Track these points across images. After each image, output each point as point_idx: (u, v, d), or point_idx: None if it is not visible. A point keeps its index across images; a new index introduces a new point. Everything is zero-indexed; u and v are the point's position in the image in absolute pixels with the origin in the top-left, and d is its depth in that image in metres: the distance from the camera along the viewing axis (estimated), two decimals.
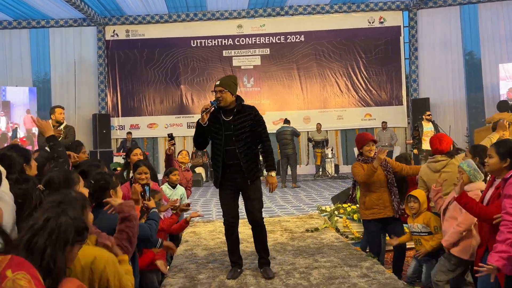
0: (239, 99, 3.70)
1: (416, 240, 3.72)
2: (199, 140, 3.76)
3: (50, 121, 5.71)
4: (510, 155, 2.62)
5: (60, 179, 2.07)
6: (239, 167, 3.58)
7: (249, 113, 3.65)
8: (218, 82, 3.65)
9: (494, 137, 4.38)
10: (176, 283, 3.39)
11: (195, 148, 13.41)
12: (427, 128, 9.78)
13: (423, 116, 10.05)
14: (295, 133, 10.71)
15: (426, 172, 3.85)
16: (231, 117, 3.61)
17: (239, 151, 3.56)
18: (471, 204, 2.75)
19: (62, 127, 5.66)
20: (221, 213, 6.86)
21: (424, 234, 3.65)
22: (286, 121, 11.07)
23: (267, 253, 3.69)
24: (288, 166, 10.54)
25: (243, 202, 3.71)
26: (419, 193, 3.74)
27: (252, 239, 4.77)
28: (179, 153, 5.70)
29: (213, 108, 3.62)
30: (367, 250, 4.17)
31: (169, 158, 5.02)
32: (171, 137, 4.94)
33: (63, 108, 5.67)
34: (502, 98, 12.25)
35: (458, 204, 3.07)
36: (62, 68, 13.93)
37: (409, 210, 3.74)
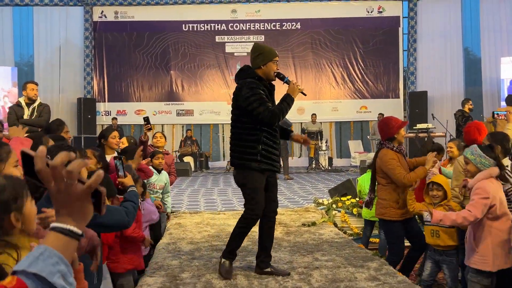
0: None
1: (433, 231, 3.25)
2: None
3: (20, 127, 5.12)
4: (502, 142, 3.00)
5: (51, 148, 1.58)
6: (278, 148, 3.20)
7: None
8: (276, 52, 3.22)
9: (510, 127, 4.14)
10: (155, 282, 2.92)
11: (184, 136, 12.96)
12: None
13: (467, 105, 9.04)
14: (286, 123, 10.23)
15: None
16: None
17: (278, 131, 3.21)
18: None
19: (35, 105, 5.12)
20: (210, 205, 6.40)
21: (444, 225, 3.21)
22: None
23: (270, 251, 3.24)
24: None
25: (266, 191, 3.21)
26: (442, 179, 3.28)
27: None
28: (153, 136, 5.03)
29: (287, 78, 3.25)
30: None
31: (144, 146, 4.41)
32: (147, 121, 4.35)
33: (36, 83, 5.13)
34: (503, 88, 11.93)
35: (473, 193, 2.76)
36: (47, 49, 13.28)
37: (430, 199, 3.29)
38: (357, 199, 5.38)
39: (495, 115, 5.83)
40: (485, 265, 2.74)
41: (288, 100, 3.08)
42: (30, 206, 1.34)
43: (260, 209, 3.04)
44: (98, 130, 13.12)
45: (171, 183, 4.73)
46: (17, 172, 1.62)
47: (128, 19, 13.48)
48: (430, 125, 10.70)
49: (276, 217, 4.76)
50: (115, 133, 3.89)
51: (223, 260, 3.07)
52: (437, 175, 3.37)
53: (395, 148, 3.45)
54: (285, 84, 3.21)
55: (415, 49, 13.40)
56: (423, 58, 13.39)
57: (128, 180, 2.35)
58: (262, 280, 2.95)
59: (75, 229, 0.87)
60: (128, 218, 2.06)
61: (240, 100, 3.03)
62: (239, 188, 3.23)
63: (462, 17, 13.11)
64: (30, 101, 5.08)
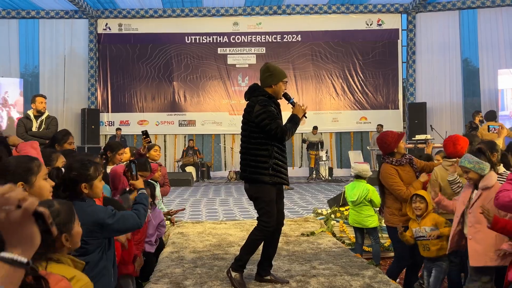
0: None
1: (424, 245, 3.43)
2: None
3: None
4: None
5: (17, 166, 1.75)
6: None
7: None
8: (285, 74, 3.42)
9: (499, 142, 4.38)
10: None
11: (186, 146, 13.14)
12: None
13: (477, 117, 9.11)
14: None
15: (444, 176, 3.54)
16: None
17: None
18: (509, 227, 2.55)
19: (43, 117, 5.31)
20: (212, 214, 6.54)
21: (433, 238, 3.37)
22: None
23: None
24: None
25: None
26: (425, 192, 3.46)
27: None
28: (147, 147, 4.97)
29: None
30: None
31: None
32: (146, 134, 4.48)
33: (44, 97, 5.32)
34: (502, 99, 12.11)
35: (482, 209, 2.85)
36: (52, 60, 13.54)
37: (413, 211, 3.45)
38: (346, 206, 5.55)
39: (490, 129, 6.01)
40: (490, 261, 2.86)
41: (295, 120, 3.27)
42: (77, 227, 1.54)
43: (274, 221, 3.16)
44: (102, 140, 13.31)
45: (166, 194, 5.03)
46: (47, 184, 1.78)
47: (132, 31, 13.73)
48: (428, 136, 10.84)
49: None
50: (123, 150, 4.07)
51: (234, 273, 3.13)
52: (421, 190, 3.54)
53: (394, 162, 3.62)
54: (289, 104, 3.37)
55: (414, 61, 13.60)
56: (422, 69, 13.58)
57: (139, 183, 2.52)
58: (262, 287, 3.09)
59: (19, 258, 0.85)
60: (140, 220, 2.23)
61: (253, 116, 3.18)
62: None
63: (460, 30, 13.33)
64: (39, 114, 5.27)
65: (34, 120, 5.26)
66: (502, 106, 12.11)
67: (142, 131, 4.69)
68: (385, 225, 3.94)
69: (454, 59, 13.33)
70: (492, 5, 12.89)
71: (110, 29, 13.74)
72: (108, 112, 13.71)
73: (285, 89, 3.35)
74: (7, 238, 0.86)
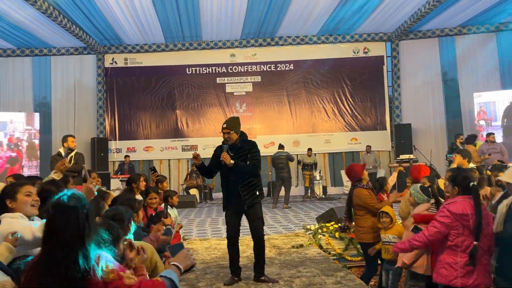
0: (243, 135, 4.42)
1: (386, 249, 4.34)
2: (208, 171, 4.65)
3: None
4: (457, 183, 3.02)
5: (122, 201, 2.75)
6: (238, 194, 4.39)
7: (247, 148, 4.42)
8: (225, 125, 4.46)
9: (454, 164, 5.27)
10: None
11: (190, 169, 14.06)
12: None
13: (458, 140, 9.89)
14: (290, 158, 11.40)
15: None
16: (234, 153, 4.37)
17: (238, 181, 4.39)
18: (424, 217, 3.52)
19: (72, 154, 6.29)
20: (216, 232, 7.45)
21: (394, 243, 4.28)
22: (281, 146, 11.76)
23: (264, 265, 4.36)
24: (283, 187, 11.18)
25: (248, 223, 4.44)
26: (389, 209, 4.39)
27: (245, 255, 5.40)
28: (156, 181, 5.61)
29: (226, 147, 4.46)
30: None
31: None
32: (154, 170, 5.40)
33: (74, 136, 6.32)
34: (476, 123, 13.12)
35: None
36: (62, 93, 14.54)
37: (382, 224, 4.38)
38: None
39: (447, 157, 7.02)
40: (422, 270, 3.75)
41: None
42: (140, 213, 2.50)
43: (229, 232, 4.41)
44: (111, 167, 14.26)
45: None
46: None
47: (137, 64, 14.82)
48: (412, 156, 11.81)
49: (271, 241, 5.97)
50: (142, 178, 5.04)
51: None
52: (386, 206, 4.47)
53: (365, 186, 4.56)
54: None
55: (398, 85, 14.66)
56: (407, 92, 14.61)
57: (168, 221, 3.49)
58: (257, 285, 4.03)
59: (180, 265, 1.97)
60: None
61: None
62: None
63: (440, 55, 14.42)
64: (69, 151, 6.25)
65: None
66: (495, 117, 12.99)
67: (151, 168, 5.62)
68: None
69: (436, 82, 14.38)
70: (468, 32, 14.04)
71: (116, 63, 14.84)
72: (115, 140, 14.69)
73: (225, 137, 4.49)
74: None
